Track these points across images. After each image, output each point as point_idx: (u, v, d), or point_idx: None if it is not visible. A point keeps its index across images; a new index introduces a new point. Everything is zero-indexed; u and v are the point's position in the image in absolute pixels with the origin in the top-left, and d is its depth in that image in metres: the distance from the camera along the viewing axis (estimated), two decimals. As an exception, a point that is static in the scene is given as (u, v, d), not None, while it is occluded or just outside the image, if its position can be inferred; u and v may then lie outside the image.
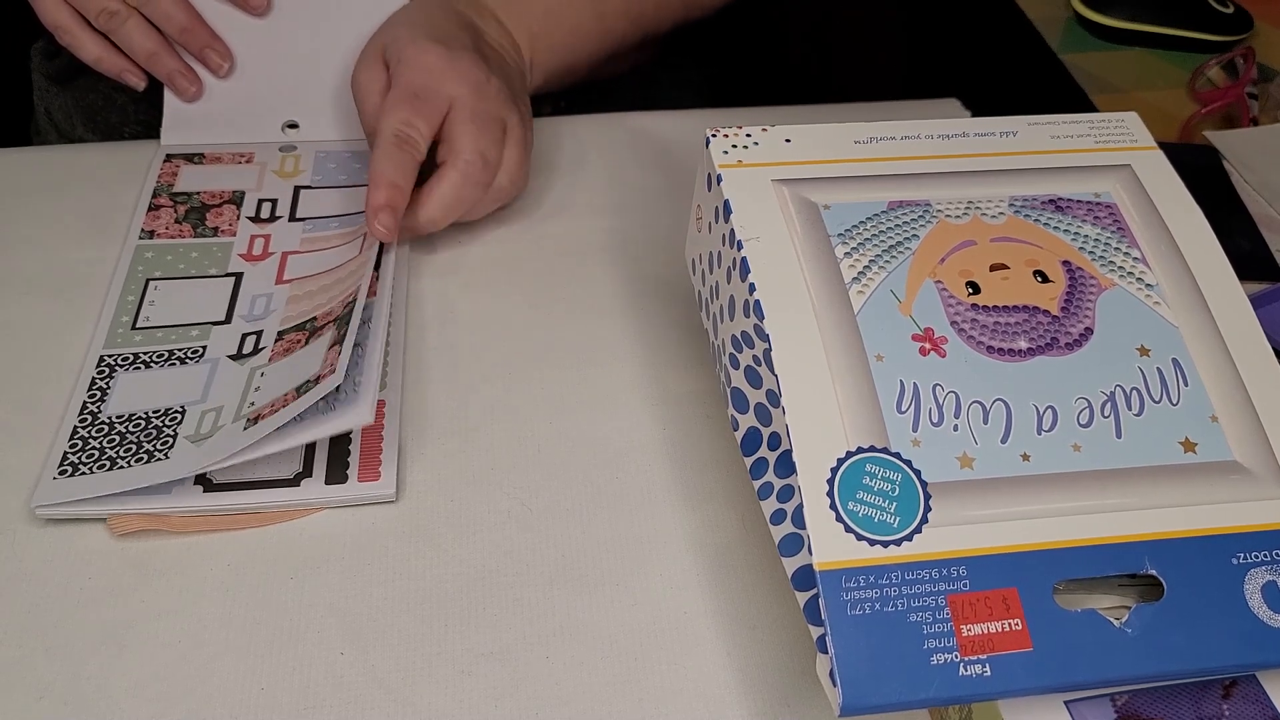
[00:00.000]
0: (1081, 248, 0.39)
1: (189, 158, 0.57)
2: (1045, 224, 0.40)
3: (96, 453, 0.42)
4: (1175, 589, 0.32)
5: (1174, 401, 0.35)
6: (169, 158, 0.57)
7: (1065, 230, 0.39)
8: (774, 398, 0.35)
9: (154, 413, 0.43)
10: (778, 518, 0.34)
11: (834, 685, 0.30)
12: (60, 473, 0.41)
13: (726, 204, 0.39)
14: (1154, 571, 0.32)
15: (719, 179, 0.39)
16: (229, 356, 0.46)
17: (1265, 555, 0.33)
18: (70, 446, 0.42)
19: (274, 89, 0.58)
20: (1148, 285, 0.38)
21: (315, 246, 0.52)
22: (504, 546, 0.41)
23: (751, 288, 0.36)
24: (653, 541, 0.42)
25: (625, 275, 0.53)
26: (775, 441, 0.35)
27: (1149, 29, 0.80)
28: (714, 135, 0.41)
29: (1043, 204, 0.40)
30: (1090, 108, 0.73)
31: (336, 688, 0.37)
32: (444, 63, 0.50)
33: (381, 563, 0.40)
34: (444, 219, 0.51)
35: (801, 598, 0.32)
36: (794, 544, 0.33)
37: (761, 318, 0.36)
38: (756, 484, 0.36)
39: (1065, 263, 0.38)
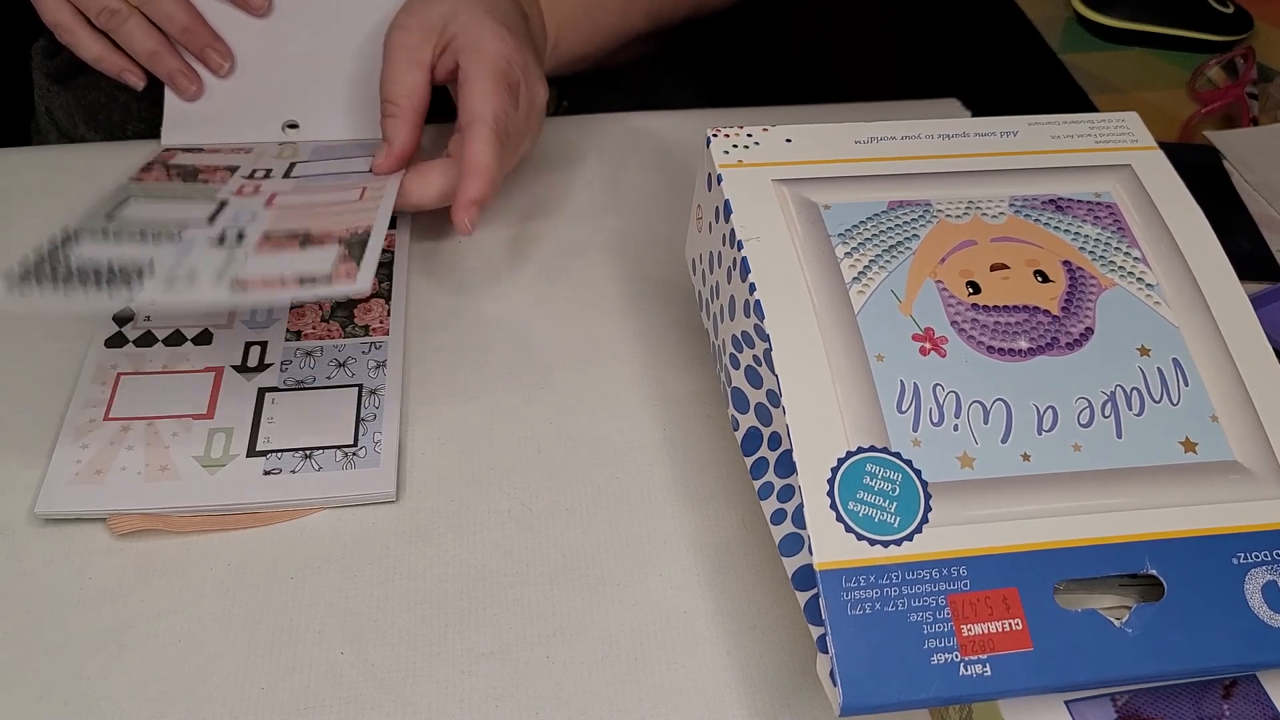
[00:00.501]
0: (1082, 248, 0.39)
1: (188, 151, 0.57)
2: (1045, 224, 0.40)
3: (55, 272, 0.39)
4: (1175, 589, 0.32)
5: (1174, 401, 0.35)
6: (167, 150, 0.57)
7: (1065, 230, 0.39)
8: (774, 398, 0.35)
9: (119, 265, 0.40)
10: (778, 518, 0.34)
11: (834, 685, 0.30)
12: (21, 279, 0.38)
13: (727, 204, 0.39)
14: (1154, 571, 0.32)
15: (719, 179, 0.39)
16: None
17: (1265, 555, 0.33)
18: (31, 261, 0.39)
19: (274, 89, 0.58)
20: (1148, 285, 0.38)
21: (307, 189, 0.51)
22: (504, 546, 0.41)
23: (752, 288, 0.36)
24: (653, 541, 0.41)
25: (625, 275, 0.53)
26: (775, 441, 0.35)
27: (1149, 29, 0.80)
28: (714, 135, 0.41)
29: (1043, 204, 0.40)
30: (1090, 108, 0.73)
31: (336, 688, 0.37)
32: (519, 57, 0.50)
33: (381, 563, 0.40)
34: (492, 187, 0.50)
35: (802, 598, 0.32)
36: (794, 544, 0.33)
37: (762, 318, 0.36)
38: (757, 484, 0.36)
39: (1065, 263, 0.38)
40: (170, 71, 0.57)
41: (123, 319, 0.48)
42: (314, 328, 0.48)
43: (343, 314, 0.49)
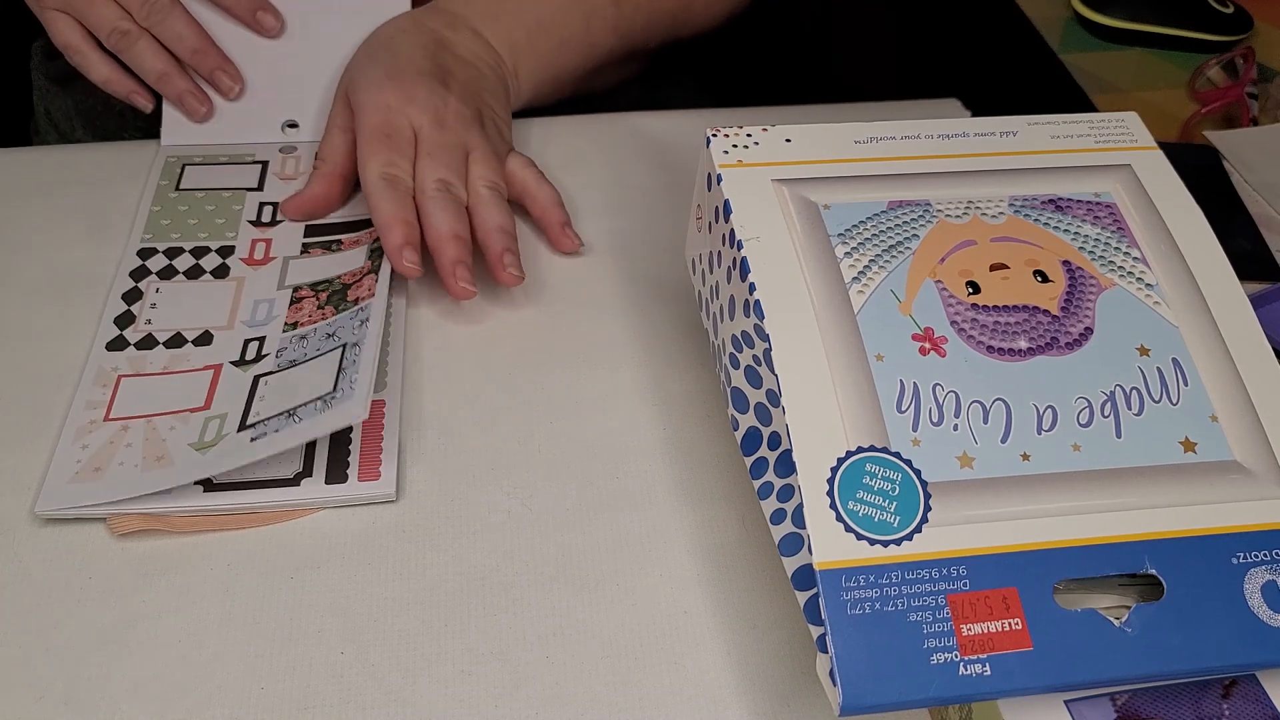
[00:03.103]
0: (1081, 248, 0.39)
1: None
2: (1045, 224, 0.40)
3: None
4: (1175, 589, 0.32)
5: (1174, 401, 0.35)
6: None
7: (1065, 230, 0.39)
8: (774, 397, 0.35)
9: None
10: (778, 517, 0.34)
11: (834, 685, 0.30)
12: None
13: (726, 204, 0.39)
14: (1154, 571, 0.32)
15: (719, 179, 0.39)
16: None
17: (1265, 555, 0.33)
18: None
19: (274, 89, 0.58)
20: (1148, 285, 0.38)
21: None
22: (504, 546, 0.41)
23: (751, 288, 0.36)
24: (653, 541, 0.42)
25: (625, 275, 0.53)
26: (775, 441, 0.35)
27: (1149, 29, 0.80)
28: (714, 135, 0.41)
29: (1043, 204, 0.40)
30: (1090, 108, 0.73)
31: (336, 687, 0.37)
32: (401, 98, 0.51)
33: (381, 563, 0.40)
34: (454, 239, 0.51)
35: (801, 597, 0.32)
36: (794, 543, 0.33)
37: (761, 317, 0.36)
38: (756, 484, 0.36)
39: (1065, 262, 0.38)
40: (180, 93, 0.57)
41: (123, 322, 0.48)
42: (310, 316, 0.48)
43: (338, 298, 0.49)
